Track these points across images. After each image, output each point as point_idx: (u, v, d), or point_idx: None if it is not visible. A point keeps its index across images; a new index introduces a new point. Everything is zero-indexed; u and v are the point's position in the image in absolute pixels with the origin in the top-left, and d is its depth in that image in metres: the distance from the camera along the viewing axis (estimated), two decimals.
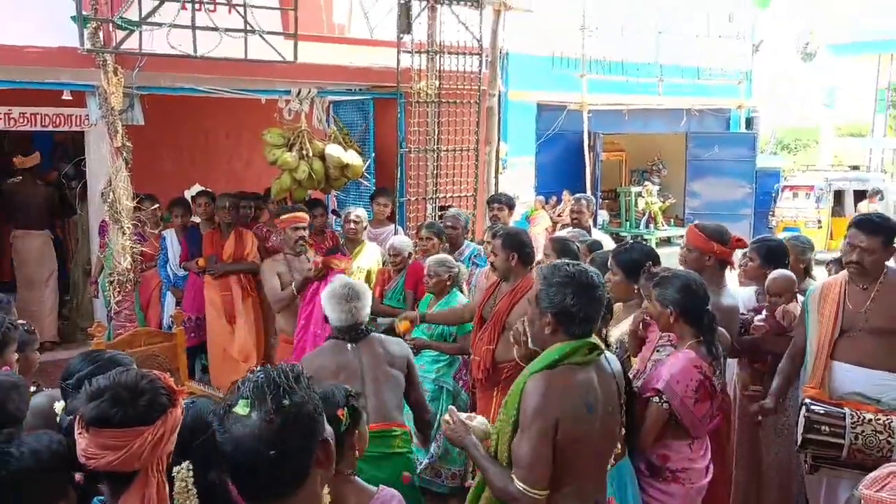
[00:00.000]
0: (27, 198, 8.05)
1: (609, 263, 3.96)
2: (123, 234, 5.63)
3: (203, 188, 7.91)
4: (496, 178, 7.95)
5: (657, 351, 3.48)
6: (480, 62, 7.32)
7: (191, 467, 2.06)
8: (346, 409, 2.49)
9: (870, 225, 3.68)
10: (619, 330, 3.80)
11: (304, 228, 5.66)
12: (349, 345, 3.72)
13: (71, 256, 8.65)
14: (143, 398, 1.91)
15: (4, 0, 5.69)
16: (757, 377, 4.41)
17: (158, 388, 1.96)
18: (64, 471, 1.96)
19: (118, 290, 5.70)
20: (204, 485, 2.08)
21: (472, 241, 6.53)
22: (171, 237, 6.72)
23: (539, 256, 6.09)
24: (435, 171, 7.23)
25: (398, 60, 6.85)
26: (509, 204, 6.60)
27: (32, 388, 3.03)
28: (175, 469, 2.07)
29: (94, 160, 7.45)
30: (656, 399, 3.19)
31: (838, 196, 16.80)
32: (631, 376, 3.39)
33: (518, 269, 4.48)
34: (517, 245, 4.47)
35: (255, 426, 1.62)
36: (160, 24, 5.39)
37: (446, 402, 5.11)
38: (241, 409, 1.64)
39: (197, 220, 6.90)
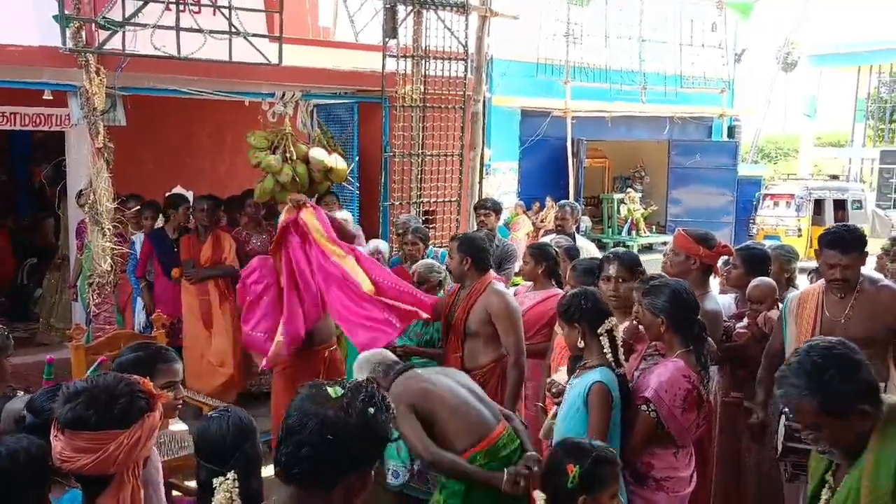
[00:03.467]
0: None
1: (616, 269, 3.93)
2: (104, 235, 5.56)
3: (183, 190, 7.86)
4: (480, 183, 7.95)
5: (644, 360, 3.49)
6: (466, 67, 7.32)
7: (236, 478, 2.07)
8: (577, 466, 2.41)
9: (844, 242, 3.70)
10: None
11: None
12: None
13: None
14: (120, 401, 1.91)
15: None
16: (738, 383, 4.43)
17: (136, 391, 1.96)
18: (41, 474, 1.94)
19: (97, 292, 5.63)
20: (246, 494, 2.09)
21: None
22: (139, 241, 6.64)
23: (520, 263, 6.10)
24: (419, 176, 7.21)
25: (383, 65, 6.84)
26: (496, 209, 6.63)
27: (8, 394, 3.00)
28: (217, 480, 2.07)
29: (74, 160, 7.37)
30: (644, 407, 3.19)
31: (818, 205, 17.00)
32: None
33: (472, 273, 4.50)
34: (472, 249, 4.49)
35: (333, 410, 1.71)
36: (144, 25, 5.34)
37: None
38: (332, 391, 1.74)
39: (159, 224, 6.84)
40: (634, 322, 3.61)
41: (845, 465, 2.32)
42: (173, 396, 2.70)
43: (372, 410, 1.73)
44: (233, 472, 2.14)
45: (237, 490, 2.12)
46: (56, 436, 1.88)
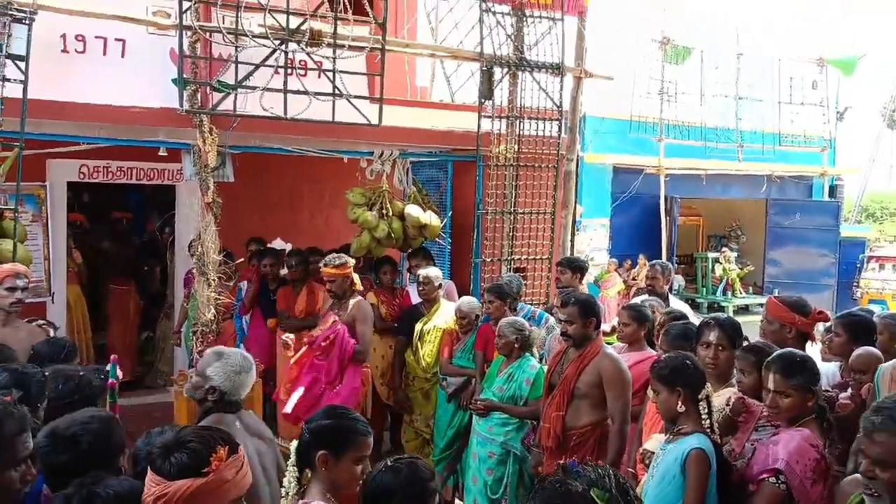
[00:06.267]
0: None
1: (717, 336, 3.81)
2: (209, 285, 5.82)
3: (283, 243, 8.15)
4: (572, 241, 7.95)
5: (756, 430, 3.38)
6: (560, 127, 7.39)
7: None
8: None
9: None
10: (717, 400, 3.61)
11: None
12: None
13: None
14: (174, 456, 2.07)
15: (113, 64, 6.06)
16: (841, 456, 4.24)
17: (198, 453, 2.07)
18: None
19: (201, 339, 5.88)
20: None
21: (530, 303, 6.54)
22: (246, 287, 6.93)
23: (613, 322, 6.01)
24: (511, 234, 7.27)
25: (479, 124, 6.97)
26: (571, 267, 6.42)
27: None
28: None
29: (184, 214, 7.79)
30: (773, 480, 3.05)
31: None
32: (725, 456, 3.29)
33: (594, 334, 4.48)
34: (594, 310, 4.49)
35: None
36: (254, 88, 5.65)
37: (513, 466, 5.05)
38: (597, 494, 1.74)
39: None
40: (736, 396, 3.52)
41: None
42: (360, 471, 2.62)
43: None
44: None
45: None
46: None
